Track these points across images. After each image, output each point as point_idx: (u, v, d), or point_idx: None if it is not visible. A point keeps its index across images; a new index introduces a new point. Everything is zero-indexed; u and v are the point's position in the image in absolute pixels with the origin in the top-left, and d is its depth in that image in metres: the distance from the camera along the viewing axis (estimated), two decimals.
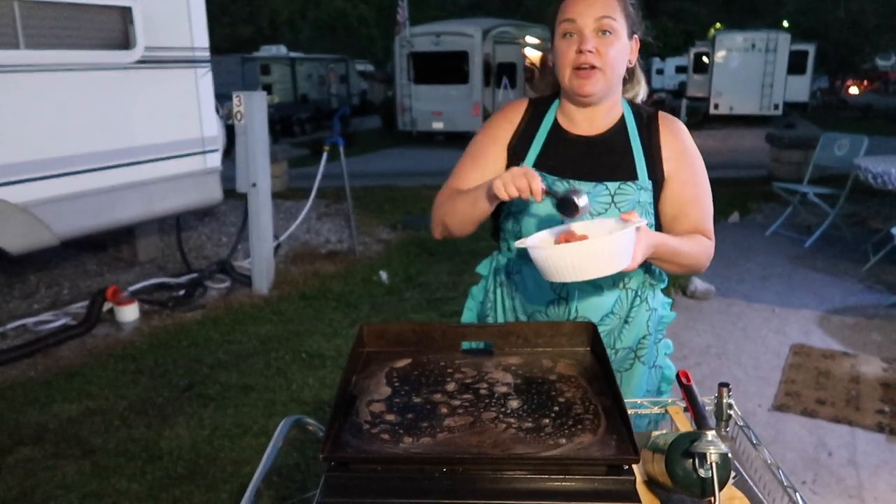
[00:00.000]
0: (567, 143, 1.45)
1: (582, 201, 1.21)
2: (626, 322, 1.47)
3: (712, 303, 4.74)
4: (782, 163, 9.24)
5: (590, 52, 1.32)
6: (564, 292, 1.42)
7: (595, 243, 1.19)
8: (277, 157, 8.73)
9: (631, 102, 1.49)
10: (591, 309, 1.43)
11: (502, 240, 1.54)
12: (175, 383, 3.58)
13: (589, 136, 1.45)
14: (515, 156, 1.46)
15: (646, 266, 1.44)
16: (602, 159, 1.42)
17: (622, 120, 1.46)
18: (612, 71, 1.35)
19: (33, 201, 3.95)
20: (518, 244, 1.27)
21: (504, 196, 1.24)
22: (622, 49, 1.36)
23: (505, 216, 1.48)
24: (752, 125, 17.73)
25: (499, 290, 1.55)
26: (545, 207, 1.39)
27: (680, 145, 1.44)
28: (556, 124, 1.47)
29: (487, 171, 1.45)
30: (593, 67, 1.33)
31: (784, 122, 17.51)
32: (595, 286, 1.42)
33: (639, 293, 1.48)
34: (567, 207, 1.23)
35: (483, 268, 1.63)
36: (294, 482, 2.64)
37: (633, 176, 1.40)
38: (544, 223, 1.39)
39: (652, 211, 1.42)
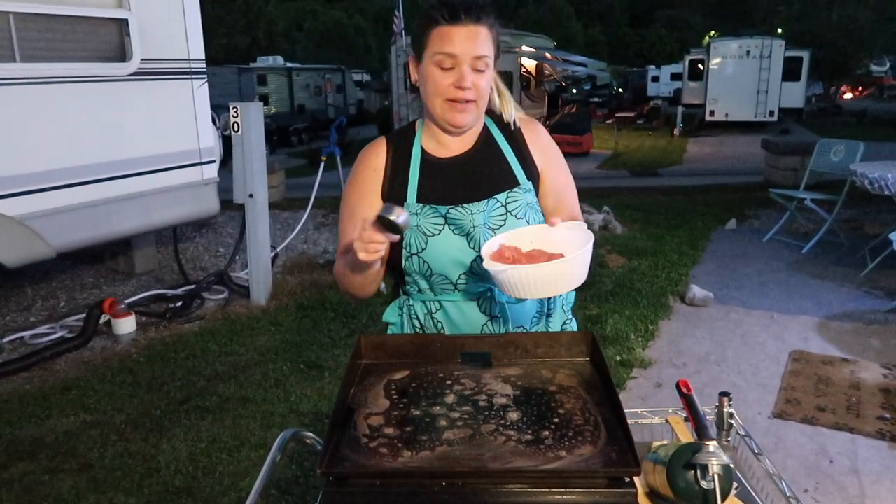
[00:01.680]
0: (442, 169, 1.44)
1: (401, 218, 1.14)
2: (548, 317, 1.51)
3: (711, 310, 4.74)
4: (778, 169, 9.26)
5: (468, 88, 1.34)
6: (497, 311, 1.42)
7: (568, 262, 1.20)
8: (274, 168, 8.74)
9: (490, 112, 1.49)
10: (522, 317, 1.46)
11: (410, 283, 1.46)
12: (172, 396, 3.56)
13: (460, 155, 1.45)
14: (394, 201, 1.39)
15: None
16: (481, 175, 1.43)
17: (486, 129, 1.48)
18: (483, 101, 1.40)
19: (30, 214, 3.94)
20: (486, 266, 1.24)
21: (376, 257, 1.21)
22: (491, 79, 1.41)
23: (407, 258, 1.41)
24: (748, 131, 17.80)
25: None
26: (446, 239, 1.38)
27: (543, 140, 1.50)
28: (424, 154, 1.45)
29: None
30: (468, 101, 1.36)
31: (779, 129, 17.63)
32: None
33: None
34: (391, 229, 1.16)
35: (392, 314, 1.52)
36: (292, 495, 2.61)
37: (515, 182, 1.43)
38: (452, 255, 1.38)
39: (539, 208, 1.46)
